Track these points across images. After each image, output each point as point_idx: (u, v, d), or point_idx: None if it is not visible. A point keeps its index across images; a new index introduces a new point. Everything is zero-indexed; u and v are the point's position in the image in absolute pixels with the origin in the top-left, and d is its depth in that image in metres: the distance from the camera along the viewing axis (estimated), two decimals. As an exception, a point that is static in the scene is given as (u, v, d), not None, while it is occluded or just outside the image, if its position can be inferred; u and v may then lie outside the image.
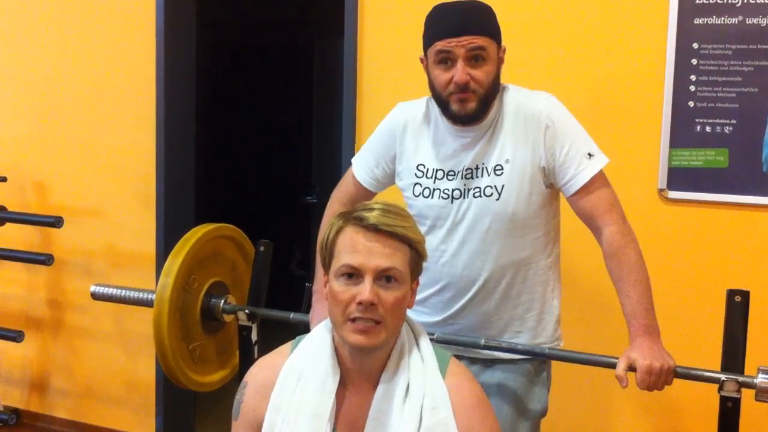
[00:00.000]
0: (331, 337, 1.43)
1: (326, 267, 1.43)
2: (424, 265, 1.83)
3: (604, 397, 2.59)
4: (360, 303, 1.32)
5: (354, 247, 1.35)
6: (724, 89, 2.38)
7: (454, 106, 1.74)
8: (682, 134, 2.43)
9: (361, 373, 1.41)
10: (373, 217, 1.35)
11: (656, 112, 2.45)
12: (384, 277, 1.34)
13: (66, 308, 3.48)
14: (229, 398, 1.54)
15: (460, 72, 1.70)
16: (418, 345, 1.45)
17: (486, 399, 1.46)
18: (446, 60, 1.72)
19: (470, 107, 1.73)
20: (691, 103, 2.42)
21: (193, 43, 3.37)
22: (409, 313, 1.91)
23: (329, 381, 1.39)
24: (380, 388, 1.39)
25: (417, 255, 1.41)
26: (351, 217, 1.38)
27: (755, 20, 2.33)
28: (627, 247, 1.71)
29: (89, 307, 3.38)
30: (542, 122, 1.77)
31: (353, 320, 1.34)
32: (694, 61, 2.40)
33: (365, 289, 1.32)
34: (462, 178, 1.80)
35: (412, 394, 1.38)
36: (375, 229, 1.35)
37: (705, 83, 2.40)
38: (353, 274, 1.35)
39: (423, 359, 1.43)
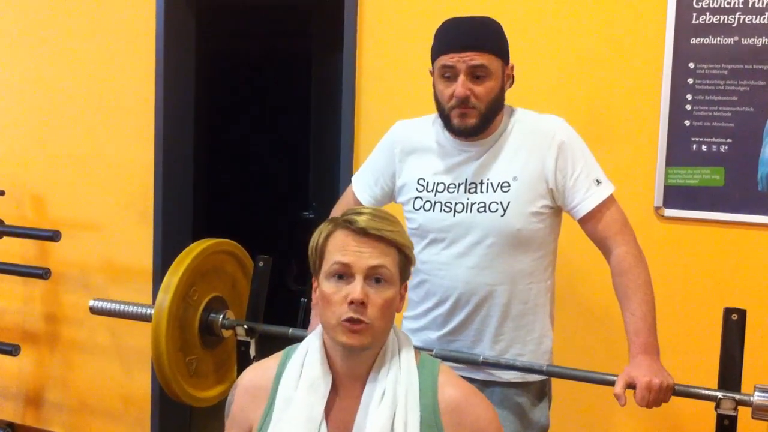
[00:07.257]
0: (321, 341, 1.45)
1: (316, 271, 1.45)
2: (424, 278, 1.86)
3: (605, 413, 2.58)
4: (351, 302, 1.35)
5: (344, 249, 1.38)
6: (720, 108, 2.40)
7: (455, 120, 1.79)
8: (678, 153, 2.44)
9: (351, 375, 1.43)
10: (362, 220, 1.38)
11: (652, 130, 2.46)
12: (374, 277, 1.37)
13: (62, 322, 3.47)
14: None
15: (460, 86, 1.75)
16: (400, 352, 1.46)
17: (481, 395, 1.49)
18: (449, 75, 1.77)
19: (470, 122, 1.77)
20: (687, 122, 2.44)
21: (192, 57, 3.38)
22: (409, 329, 1.93)
23: (321, 384, 1.41)
24: (366, 390, 1.41)
25: (405, 258, 1.44)
26: (340, 221, 1.41)
27: (751, 41, 2.36)
28: (637, 267, 1.74)
29: (86, 321, 3.37)
30: (555, 143, 1.80)
31: (346, 320, 1.35)
32: (691, 81, 2.42)
33: (356, 289, 1.35)
34: (465, 192, 1.82)
35: (387, 398, 1.39)
36: (364, 233, 1.37)
37: (701, 102, 2.42)
38: (344, 275, 1.37)
39: (401, 366, 1.43)
